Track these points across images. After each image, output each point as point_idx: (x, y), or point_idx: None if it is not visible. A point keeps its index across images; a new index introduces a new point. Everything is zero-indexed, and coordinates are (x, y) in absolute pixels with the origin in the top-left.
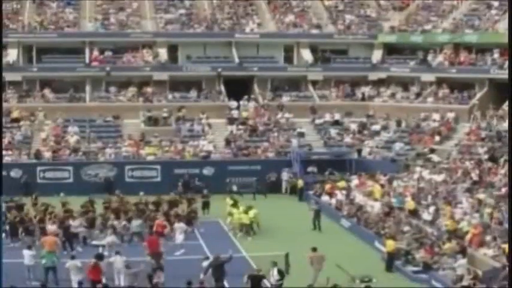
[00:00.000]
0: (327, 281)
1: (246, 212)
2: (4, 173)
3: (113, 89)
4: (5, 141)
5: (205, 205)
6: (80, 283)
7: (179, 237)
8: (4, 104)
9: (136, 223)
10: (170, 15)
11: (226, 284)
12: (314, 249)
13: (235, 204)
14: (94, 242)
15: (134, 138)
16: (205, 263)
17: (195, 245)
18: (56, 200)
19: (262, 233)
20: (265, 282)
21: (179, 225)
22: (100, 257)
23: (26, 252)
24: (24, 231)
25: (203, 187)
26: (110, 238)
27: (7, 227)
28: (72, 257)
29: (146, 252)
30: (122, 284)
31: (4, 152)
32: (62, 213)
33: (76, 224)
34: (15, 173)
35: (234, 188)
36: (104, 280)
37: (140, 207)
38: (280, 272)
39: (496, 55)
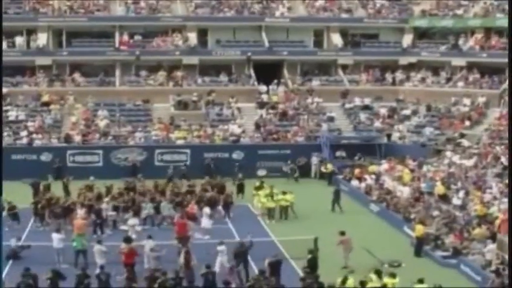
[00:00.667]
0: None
1: (273, 196)
2: (34, 156)
3: (142, 73)
4: (35, 124)
5: (240, 189)
6: (101, 267)
7: (206, 222)
8: (34, 88)
9: (166, 207)
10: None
11: (254, 266)
12: (342, 233)
13: (261, 188)
14: (122, 227)
15: (164, 122)
16: (220, 248)
17: (225, 229)
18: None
19: (291, 217)
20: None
21: (205, 210)
22: (128, 240)
23: (55, 236)
24: (53, 215)
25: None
26: (132, 221)
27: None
28: (99, 241)
29: (174, 236)
30: (152, 267)
31: (34, 136)
32: (93, 197)
33: (106, 208)
34: (45, 157)
35: (262, 172)
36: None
37: (175, 191)
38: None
39: None
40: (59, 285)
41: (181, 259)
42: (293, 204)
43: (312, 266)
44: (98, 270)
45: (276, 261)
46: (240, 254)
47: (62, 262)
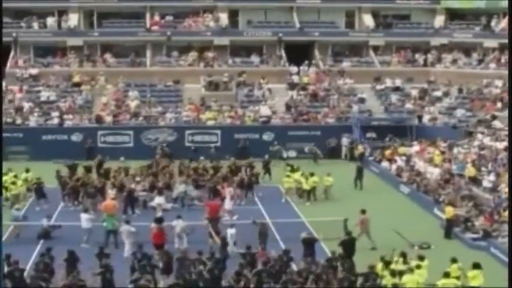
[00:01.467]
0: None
1: (306, 177)
2: (65, 137)
3: (173, 53)
4: (66, 105)
5: (267, 170)
6: (139, 246)
7: (228, 203)
8: (65, 69)
9: (189, 188)
10: None
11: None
12: (363, 212)
13: (292, 170)
14: (151, 204)
15: (194, 103)
16: (231, 231)
17: (254, 210)
18: (117, 164)
19: (321, 198)
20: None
21: (228, 190)
22: (159, 220)
23: (83, 216)
24: (87, 195)
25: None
26: (158, 199)
27: (68, 191)
28: (127, 222)
29: (204, 217)
30: (182, 247)
31: (65, 116)
32: (124, 177)
33: (137, 188)
34: (76, 137)
35: (286, 154)
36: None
37: (200, 171)
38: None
39: None
40: (76, 266)
41: (217, 239)
42: (330, 187)
43: (348, 247)
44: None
45: (311, 238)
46: (263, 234)
47: (88, 242)
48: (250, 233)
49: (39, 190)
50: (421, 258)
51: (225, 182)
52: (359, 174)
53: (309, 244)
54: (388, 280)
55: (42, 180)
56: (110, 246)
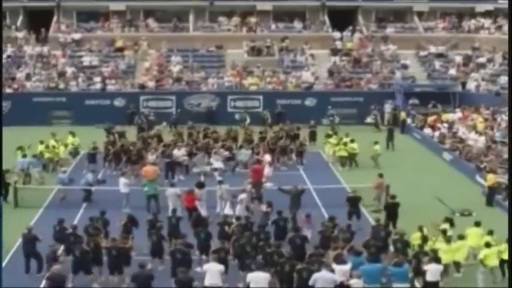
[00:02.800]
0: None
1: (346, 143)
2: (108, 102)
3: (216, 18)
4: (109, 70)
5: (312, 136)
6: (173, 211)
7: (267, 170)
8: (108, 34)
9: (242, 152)
10: None
11: (325, 213)
12: (380, 175)
13: (332, 136)
14: (195, 169)
15: (237, 68)
16: (242, 196)
17: (296, 175)
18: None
19: (363, 164)
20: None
21: (266, 157)
22: (201, 185)
23: (121, 180)
24: (130, 161)
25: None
26: (216, 163)
27: (110, 156)
28: (172, 185)
29: (248, 181)
30: (225, 212)
31: (107, 81)
32: (165, 142)
33: (179, 153)
34: (118, 102)
35: (329, 120)
36: (202, 208)
37: (247, 137)
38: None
39: None
40: (132, 231)
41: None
42: (377, 155)
43: (391, 212)
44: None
45: (355, 197)
46: (295, 197)
47: (126, 206)
48: (285, 199)
49: (92, 155)
50: (476, 224)
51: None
52: (390, 136)
53: (354, 202)
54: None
55: (97, 145)
56: (151, 211)
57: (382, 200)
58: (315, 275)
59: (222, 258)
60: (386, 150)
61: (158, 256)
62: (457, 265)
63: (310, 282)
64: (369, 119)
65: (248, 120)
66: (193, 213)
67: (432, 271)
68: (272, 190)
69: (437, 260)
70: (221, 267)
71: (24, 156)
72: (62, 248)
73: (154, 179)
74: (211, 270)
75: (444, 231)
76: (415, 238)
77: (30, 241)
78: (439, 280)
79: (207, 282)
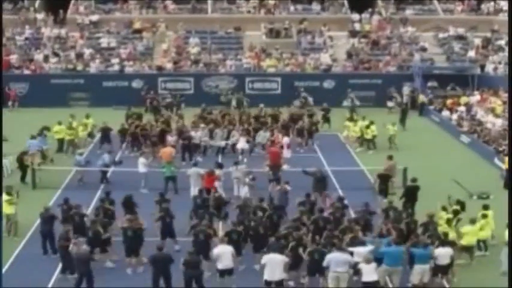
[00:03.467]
0: (448, 199)
1: (367, 126)
2: (126, 83)
3: (234, 0)
4: (127, 52)
5: (325, 118)
6: (200, 191)
7: (286, 151)
8: (126, 15)
9: (261, 134)
10: None
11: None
12: (390, 158)
13: (352, 118)
14: (212, 143)
15: (255, 50)
16: (249, 181)
17: (314, 158)
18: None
19: (380, 146)
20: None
21: (284, 139)
22: (220, 166)
23: (140, 160)
24: (145, 142)
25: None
26: (241, 144)
27: (129, 137)
28: (194, 164)
29: (266, 163)
30: (241, 194)
31: (126, 63)
32: (183, 125)
33: (197, 135)
34: (136, 84)
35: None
36: (221, 190)
37: (261, 119)
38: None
39: None
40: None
41: (278, 186)
42: (394, 136)
43: (410, 195)
44: (195, 193)
45: (386, 175)
46: (320, 182)
47: (144, 187)
48: (308, 181)
49: (105, 135)
50: (485, 207)
51: (284, 130)
52: (403, 116)
53: (384, 178)
54: (444, 228)
55: (109, 125)
56: (168, 192)
57: (394, 183)
58: (328, 257)
59: (234, 240)
60: (403, 131)
61: (170, 237)
62: (483, 243)
63: (324, 264)
64: (389, 104)
65: (346, 102)
66: (213, 194)
67: (441, 255)
68: (289, 172)
69: (445, 243)
70: (231, 248)
71: (33, 137)
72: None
73: (171, 161)
74: (223, 253)
75: (456, 212)
76: (440, 218)
77: (48, 221)
78: (448, 263)
79: (220, 266)
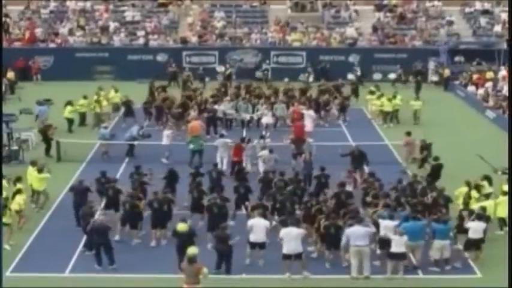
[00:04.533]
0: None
1: (388, 99)
2: (150, 57)
3: None
4: (151, 25)
5: (354, 92)
6: (214, 165)
7: (308, 125)
8: None
9: (280, 108)
10: None
11: (366, 170)
12: (408, 134)
13: (375, 92)
14: (236, 116)
15: (280, 24)
16: (262, 152)
17: (338, 132)
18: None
19: (405, 121)
20: None
21: (308, 113)
22: (243, 139)
23: (165, 132)
24: (172, 116)
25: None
26: (266, 119)
27: (154, 110)
28: (221, 135)
29: (289, 137)
30: (260, 168)
31: (150, 36)
32: (208, 98)
33: (221, 108)
34: (161, 58)
35: (378, 76)
36: (247, 163)
37: (288, 93)
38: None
39: None
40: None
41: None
42: (419, 111)
43: (434, 172)
44: (222, 165)
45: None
46: (357, 158)
47: (169, 158)
48: (328, 155)
49: (128, 108)
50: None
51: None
52: (418, 87)
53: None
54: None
55: (131, 98)
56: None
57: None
58: (347, 231)
59: (260, 214)
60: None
61: (198, 211)
62: (501, 222)
63: (343, 239)
64: (391, 76)
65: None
66: (237, 166)
67: (475, 228)
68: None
69: (481, 217)
70: (267, 222)
71: (41, 104)
72: (103, 201)
73: (199, 135)
74: (258, 226)
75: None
76: (461, 192)
77: (81, 192)
78: (482, 237)
79: (252, 238)
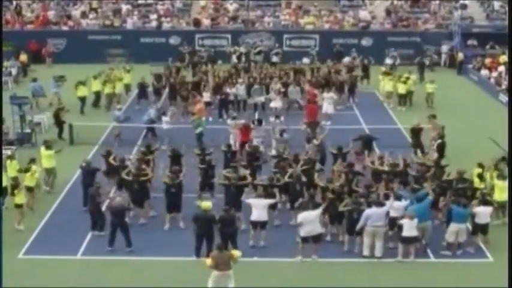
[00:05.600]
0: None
1: (404, 82)
2: (163, 39)
3: None
4: (164, 8)
5: (365, 74)
6: (228, 146)
7: (328, 107)
8: None
9: (293, 90)
10: None
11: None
12: (433, 116)
13: (388, 74)
14: (250, 100)
15: (293, 7)
16: (278, 135)
17: (350, 115)
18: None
19: (418, 104)
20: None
21: (328, 95)
22: (260, 121)
23: (164, 118)
24: (181, 97)
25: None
26: (275, 103)
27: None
28: (234, 118)
29: (303, 121)
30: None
31: (163, 19)
32: (219, 81)
33: (233, 91)
34: (174, 40)
35: (390, 60)
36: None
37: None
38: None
39: None
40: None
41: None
42: (432, 94)
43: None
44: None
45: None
46: (366, 141)
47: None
48: (343, 140)
49: (142, 90)
50: None
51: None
52: (421, 70)
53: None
54: (476, 183)
55: (146, 81)
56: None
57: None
58: (367, 212)
59: (271, 193)
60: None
61: (209, 189)
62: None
63: (362, 220)
64: (388, 61)
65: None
66: (249, 144)
67: (481, 213)
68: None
69: (486, 202)
70: (267, 201)
71: (34, 80)
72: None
73: (202, 117)
74: (258, 204)
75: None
76: (473, 174)
77: (90, 173)
78: (488, 222)
79: (253, 217)
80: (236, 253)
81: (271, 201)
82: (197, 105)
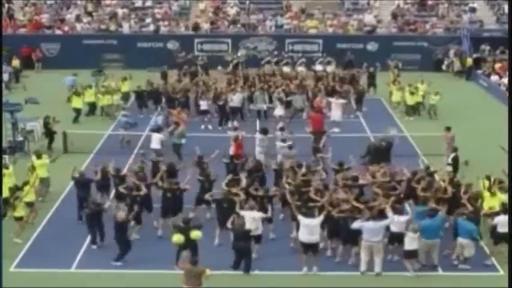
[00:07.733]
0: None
1: (412, 93)
2: (160, 44)
3: None
4: (162, 11)
5: (371, 81)
6: (230, 157)
7: (336, 114)
8: None
9: (299, 99)
10: None
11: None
12: (448, 129)
13: (394, 82)
14: (252, 107)
15: (295, 10)
16: (280, 143)
17: (356, 123)
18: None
19: (422, 113)
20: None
21: (337, 102)
22: (265, 131)
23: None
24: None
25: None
26: (278, 111)
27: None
28: (235, 129)
29: (308, 130)
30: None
31: (161, 23)
32: (220, 88)
33: (234, 98)
34: (172, 45)
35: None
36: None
37: (302, 83)
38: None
39: None
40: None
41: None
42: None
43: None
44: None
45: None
46: (379, 151)
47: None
48: (348, 148)
49: (140, 99)
50: None
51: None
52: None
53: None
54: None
55: (144, 88)
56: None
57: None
58: (363, 224)
59: (263, 206)
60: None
61: (205, 204)
62: None
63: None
64: (444, 66)
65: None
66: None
67: (503, 222)
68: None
69: (506, 211)
70: (256, 214)
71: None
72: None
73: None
74: (247, 217)
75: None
76: (482, 186)
77: (84, 185)
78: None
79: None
80: (207, 271)
81: (261, 214)
82: (180, 114)
